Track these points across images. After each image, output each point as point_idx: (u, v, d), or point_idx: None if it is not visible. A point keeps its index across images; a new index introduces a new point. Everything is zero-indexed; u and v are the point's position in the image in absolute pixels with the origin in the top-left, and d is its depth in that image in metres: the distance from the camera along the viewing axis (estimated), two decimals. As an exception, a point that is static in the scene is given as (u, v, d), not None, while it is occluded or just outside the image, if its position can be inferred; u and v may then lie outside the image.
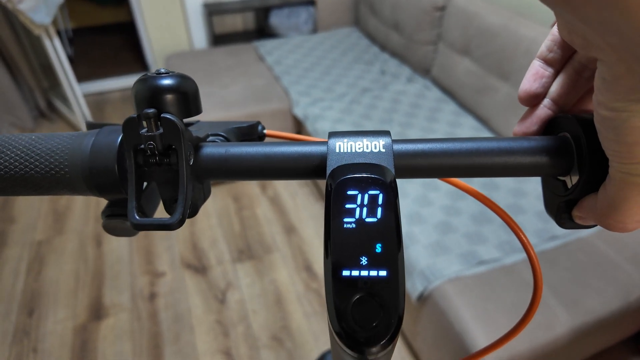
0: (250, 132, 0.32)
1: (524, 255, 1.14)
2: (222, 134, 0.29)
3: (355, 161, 0.22)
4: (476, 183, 1.39)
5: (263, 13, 2.80)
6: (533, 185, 1.37)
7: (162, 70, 0.22)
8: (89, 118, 2.34)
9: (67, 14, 2.64)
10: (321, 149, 0.23)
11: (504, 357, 0.95)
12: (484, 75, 1.68)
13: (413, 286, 1.13)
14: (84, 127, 2.27)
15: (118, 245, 1.71)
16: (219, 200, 1.92)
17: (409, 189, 1.38)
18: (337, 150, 0.22)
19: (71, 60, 2.22)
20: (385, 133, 0.23)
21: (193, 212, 0.24)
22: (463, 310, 1.02)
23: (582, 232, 1.21)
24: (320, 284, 1.55)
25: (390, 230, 0.20)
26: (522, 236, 0.25)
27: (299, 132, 2.00)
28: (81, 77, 2.62)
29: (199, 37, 2.72)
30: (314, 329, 1.40)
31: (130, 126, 0.22)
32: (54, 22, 2.05)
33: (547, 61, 0.25)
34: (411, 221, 1.26)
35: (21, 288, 1.55)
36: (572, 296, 1.04)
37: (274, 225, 1.79)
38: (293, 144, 0.24)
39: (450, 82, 1.88)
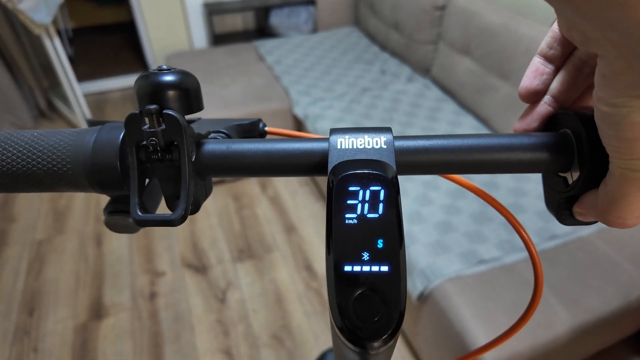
0: (252, 130, 0.32)
1: (524, 254, 1.14)
2: (224, 131, 0.29)
3: (357, 157, 0.22)
4: (476, 182, 1.39)
5: (263, 13, 2.80)
6: (533, 185, 1.37)
7: (164, 67, 0.23)
8: (88, 118, 2.34)
9: (67, 14, 2.64)
10: (322, 145, 0.24)
11: (504, 356, 0.95)
12: (484, 75, 1.68)
13: (413, 285, 1.13)
14: (84, 127, 2.27)
15: (118, 245, 1.71)
16: (219, 200, 1.92)
17: (409, 188, 1.38)
18: (339, 147, 0.22)
19: (71, 59, 2.22)
20: (387, 129, 0.23)
21: (195, 209, 0.24)
22: (463, 309, 1.02)
23: (582, 231, 1.21)
24: (321, 283, 1.55)
25: (391, 225, 0.20)
26: (523, 232, 0.25)
27: (299, 131, 2.00)
28: (81, 77, 2.62)
29: (199, 37, 2.72)
30: (314, 328, 1.40)
31: (132, 122, 0.22)
32: (54, 22, 2.05)
33: (547, 58, 0.25)
34: (411, 220, 1.27)
35: (21, 287, 1.55)
36: (572, 295, 1.04)
37: (274, 224, 1.79)
38: (294, 141, 0.24)
39: (451, 82, 1.88)
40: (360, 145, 0.22)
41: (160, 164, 0.23)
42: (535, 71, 0.25)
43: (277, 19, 2.65)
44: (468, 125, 1.72)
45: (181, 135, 0.22)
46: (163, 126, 0.22)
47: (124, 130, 0.23)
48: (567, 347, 1.02)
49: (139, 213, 0.22)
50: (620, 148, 0.18)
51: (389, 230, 0.20)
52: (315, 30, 2.69)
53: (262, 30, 2.84)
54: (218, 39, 2.75)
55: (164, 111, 0.22)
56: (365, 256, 0.19)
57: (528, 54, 1.48)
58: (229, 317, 1.44)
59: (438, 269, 1.11)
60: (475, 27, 1.69)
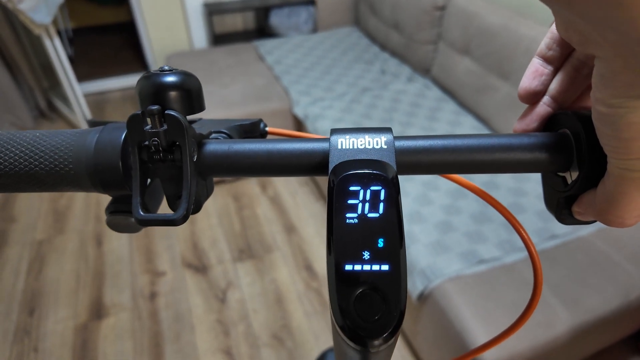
0: (253, 130, 0.32)
1: (524, 254, 1.15)
2: (225, 131, 0.29)
3: (357, 157, 0.22)
4: (476, 182, 1.39)
5: (263, 13, 2.80)
6: (533, 185, 1.37)
7: (166, 68, 0.23)
8: (90, 117, 2.34)
9: (67, 14, 2.65)
10: (323, 145, 0.24)
11: (504, 355, 0.95)
12: (484, 75, 1.68)
13: (413, 285, 1.14)
14: (84, 127, 2.27)
15: (118, 245, 1.71)
16: (219, 200, 1.92)
17: (409, 188, 1.38)
18: (339, 147, 0.23)
19: (71, 60, 2.22)
20: (387, 130, 0.23)
21: (197, 208, 0.24)
22: (463, 309, 1.02)
23: (582, 231, 1.21)
24: (321, 282, 1.55)
25: (392, 225, 0.20)
26: (523, 232, 0.25)
27: (299, 131, 2.00)
28: (81, 77, 2.62)
29: (199, 37, 2.73)
30: (314, 328, 1.41)
31: (134, 123, 0.22)
32: (54, 22, 2.05)
33: (546, 59, 0.25)
34: (411, 220, 1.27)
35: (22, 287, 1.55)
36: (572, 295, 1.04)
37: (274, 224, 1.79)
38: (295, 141, 0.24)
39: (451, 82, 1.88)
40: (361, 145, 0.22)
41: (162, 164, 0.23)
42: (534, 72, 0.25)
43: (277, 19, 2.65)
44: (468, 125, 1.72)
45: (183, 135, 0.22)
46: (165, 126, 0.22)
47: (126, 131, 0.23)
48: (567, 347, 1.02)
49: (141, 213, 0.22)
50: (618, 148, 0.18)
51: (390, 230, 0.20)
52: (315, 30, 2.69)
53: (262, 30, 2.84)
54: (218, 39, 2.75)
55: (166, 112, 0.22)
56: (366, 255, 0.19)
57: (528, 54, 1.48)
58: (229, 317, 1.45)
59: (438, 269, 1.11)
60: (475, 27, 1.69)
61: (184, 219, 0.22)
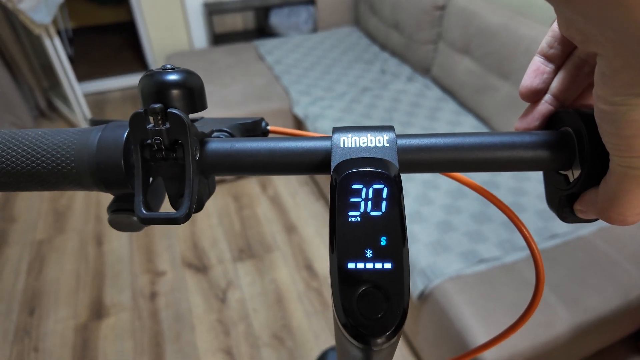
0: (254, 128, 0.32)
1: (524, 253, 1.15)
2: (227, 130, 0.29)
3: (360, 156, 0.22)
4: (476, 182, 1.39)
5: (263, 12, 2.80)
6: (533, 184, 1.37)
7: (168, 66, 0.23)
8: (90, 117, 2.34)
9: (67, 14, 2.64)
10: (325, 144, 0.24)
11: (504, 355, 0.95)
12: (484, 75, 1.68)
13: (414, 285, 1.14)
14: (84, 127, 2.27)
15: (119, 245, 1.71)
16: (219, 200, 1.92)
17: (409, 188, 1.38)
18: (342, 145, 0.23)
19: (71, 59, 2.22)
20: (389, 128, 0.23)
21: (199, 207, 0.24)
22: (463, 308, 1.03)
23: (582, 230, 1.21)
24: (321, 282, 1.55)
25: (394, 223, 0.20)
26: (525, 230, 0.25)
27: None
28: (81, 77, 2.62)
29: (199, 37, 2.73)
30: (314, 328, 1.41)
31: (137, 121, 0.22)
32: (54, 22, 2.05)
33: (547, 57, 0.25)
34: (412, 220, 1.27)
35: (22, 287, 1.55)
36: (572, 294, 1.04)
37: (274, 224, 1.79)
38: (297, 139, 0.24)
39: (451, 82, 1.88)
40: (363, 143, 0.22)
41: (164, 162, 0.23)
42: (535, 70, 0.25)
43: (277, 18, 2.65)
44: (468, 125, 1.72)
45: (185, 134, 0.22)
46: (167, 125, 0.22)
47: (129, 129, 0.23)
48: (567, 346, 1.03)
49: (144, 211, 0.22)
50: (620, 146, 0.18)
51: (392, 228, 0.20)
52: (315, 30, 2.69)
53: (262, 30, 2.84)
54: (218, 38, 2.75)
55: (168, 110, 0.22)
56: (369, 253, 0.19)
57: (528, 54, 1.48)
58: (230, 316, 1.45)
59: (438, 269, 1.11)
60: (475, 27, 1.69)
61: (186, 218, 0.22)
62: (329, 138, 0.24)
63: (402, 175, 0.23)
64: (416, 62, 2.09)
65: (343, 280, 0.19)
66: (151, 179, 0.24)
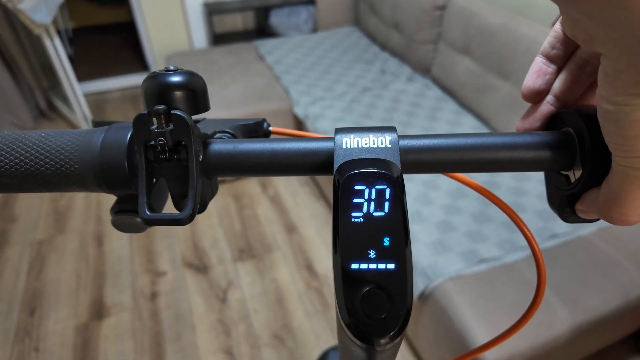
0: (256, 129, 0.32)
1: (524, 253, 1.15)
2: (229, 131, 0.29)
3: (362, 156, 0.22)
4: (477, 182, 1.39)
5: (263, 12, 2.80)
6: (533, 185, 1.37)
7: (171, 68, 0.23)
8: (90, 117, 2.34)
9: (67, 14, 2.64)
10: (328, 144, 0.24)
11: (504, 355, 0.95)
12: (484, 75, 1.68)
13: (414, 285, 1.13)
14: (84, 127, 2.27)
15: (119, 245, 1.71)
16: (219, 200, 1.92)
17: (409, 188, 1.38)
18: (344, 146, 0.23)
19: (71, 59, 2.22)
20: (392, 129, 0.23)
21: (202, 208, 0.24)
22: (464, 308, 1.03)
23: (583, 230, 1.21)
24: (321, 282, 1.55)
25: (397, 224, 0.20)
26: (526, 230, 0.25)
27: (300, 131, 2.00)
28: (81, 77, 2.62)
29: (199, 37, 2.72)
30: (315, 328, 1.41)
31: (140, 122, 0.22)
32: (54, 22, 2.05)
33: (549, 58, 0.25)
34: (412, 220, 1.27)
35: (22, 287, 1.55)
36: (572, 294, 1.04)
37: (274, 224, 1.79)
38: (299, 140, 0.24)
39: (451, 82, 1.88)
40: (366, 144, 0.23)
41: (167, 163, 0.23)
42: (537, 71, 0.25)
43: (277, 18, 2.65)
44: (468, 125, 1.72)
45: (189, 135, 0.22)
46: (171, 126, 0.22)
47: (132, 130, 0.24)
48: (567, 346, 1.03)
49: (148, 212, 0.22)
50: (623, 146, 0.18)
51: (395, 229, 0.20)
52: (315, 30, 2.69)
53: (262, 30, 2.84)
54: (218, 38, 2.75)
55: (171, 111, 0.22)
56: (372, 254, 0.20)
57: (528, 54, 1.48)
58: (230, 316, 1.45)
59: (439, 269, 1.11)
60: (475, 27, 1.69)
61: (190, 219, 0.22)
62: (331, 139, 0.24)
63: (404, 176, 0.23)
64: (416, 62, 2.09)
65: (346, 281, 0.19)
66: (154, 180, 0.24)
